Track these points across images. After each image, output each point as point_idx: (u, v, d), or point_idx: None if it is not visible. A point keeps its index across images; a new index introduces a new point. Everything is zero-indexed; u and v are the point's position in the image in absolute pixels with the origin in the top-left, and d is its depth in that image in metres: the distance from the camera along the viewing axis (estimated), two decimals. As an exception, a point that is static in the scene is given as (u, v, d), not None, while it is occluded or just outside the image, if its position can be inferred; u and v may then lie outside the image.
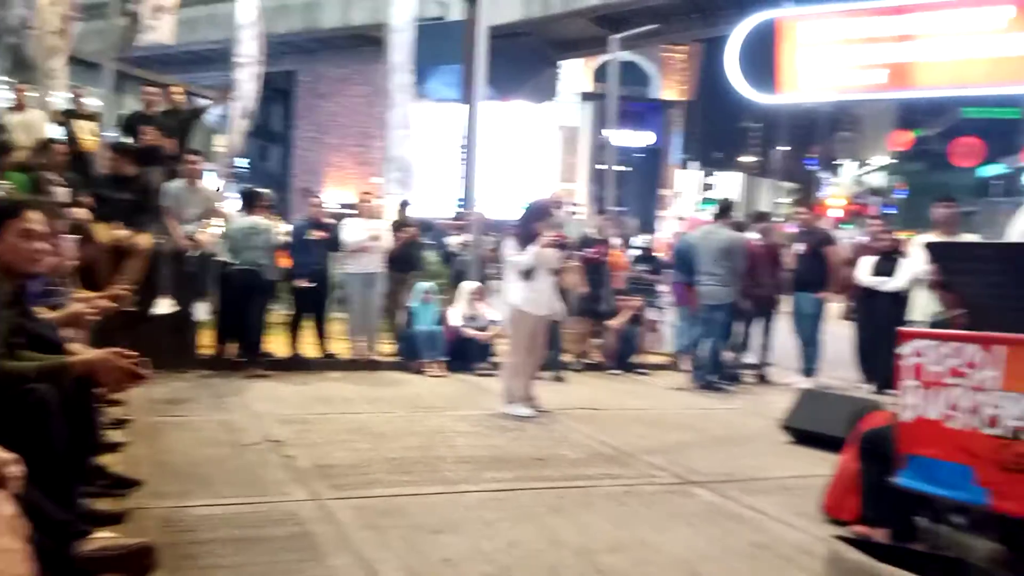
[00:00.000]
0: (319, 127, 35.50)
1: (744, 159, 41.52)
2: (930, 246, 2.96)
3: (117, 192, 7.48)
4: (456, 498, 4.42)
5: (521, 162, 27.01)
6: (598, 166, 29.86)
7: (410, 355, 8.54)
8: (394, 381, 8.01)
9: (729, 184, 38.54)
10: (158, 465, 4.61)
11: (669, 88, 38.77)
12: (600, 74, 28.84)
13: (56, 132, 8.97)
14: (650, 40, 26.70)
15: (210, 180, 9.66)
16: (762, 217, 10.49)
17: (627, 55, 27.72)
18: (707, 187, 37.48)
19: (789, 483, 5.03)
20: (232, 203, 9.66)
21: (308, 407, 6.58)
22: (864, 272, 8.00)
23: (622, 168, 30.14)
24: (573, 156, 31.58)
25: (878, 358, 7.54)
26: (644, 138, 35.69)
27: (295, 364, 8.16)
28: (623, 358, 9.38)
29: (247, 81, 10.64)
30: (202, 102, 10.76)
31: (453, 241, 10.24)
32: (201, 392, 6.86)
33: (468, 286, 9.07)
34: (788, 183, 42.73)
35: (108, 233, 7.15)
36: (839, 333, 8.66)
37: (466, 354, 8.64)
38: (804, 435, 6.06)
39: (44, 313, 3.86)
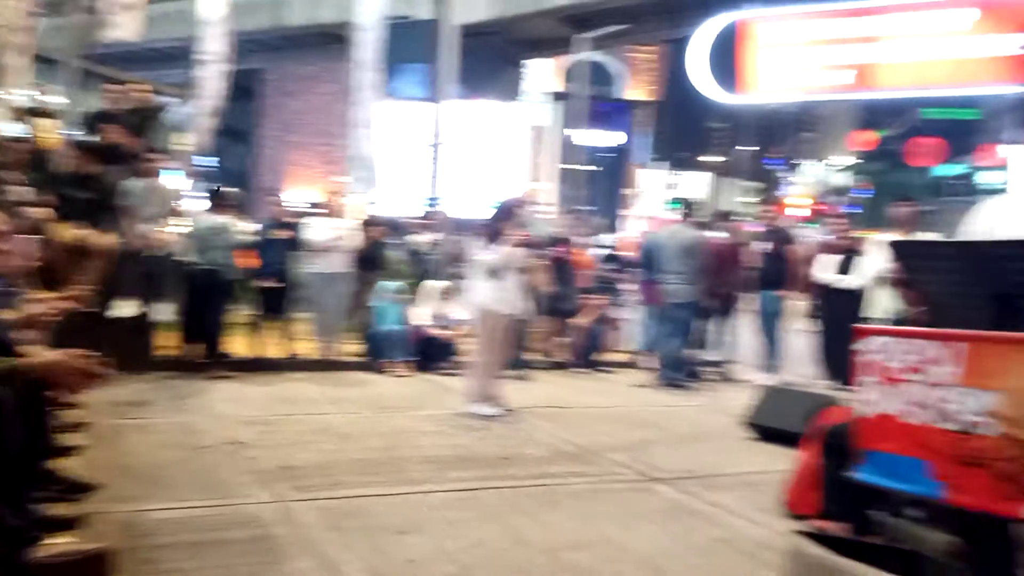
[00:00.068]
0: (285, 125, 35.18)
1: (710, 159, 41.85)
2: (893, 244, 2.98)
3: (79, 191, 7.35)
4: (421, 498, 4.41)
5: (489, 161, 26.98)
6: (566, 166, 29.92)
7: (375, 355, 8.49)
8: (359, 381, 7.96)
9: (695, 184, 38.82)
10: (117, 468, 4.53)
11: (636, 88, 38.96)
12: (569, 74, 28.91)
13: (17, 130, 8.79)
14: (617, 40, 26.82)
15: (175, 179, 9.55)
16: (726, 216, 10.59)
17: (595, 55, 27.81)
18: (672, 186, 37.72)
19: (751, 479, 5.07)
20: (198, 202, 9.55)
21: (271, 408, 6.52)
22: (825, 270, 8.09)
23: (590, 168, 30.26)
24: (541, 155, 31.60)
25: (839, 355, 7.63)
26: (613, 138, 35.82)
27: (258, 365, 8.07)
28: (588, 356, 9.41)
29: (213, 79, 10.52)
30: (165, 100, 10.63)
31: (419, 240, 10.20)
32: (162, 394, 6.76)
33: (434, 285, 9.04)
34: (753, 183, 43.15)
35: (69, 232, 7.01)
36: (801, 330, 8.75)
37: (431, 354, 8.61)
38: (767, 431, 6.12)
39: (1, 314, 3.78)
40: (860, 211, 31.07)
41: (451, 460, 5.24)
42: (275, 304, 8.37)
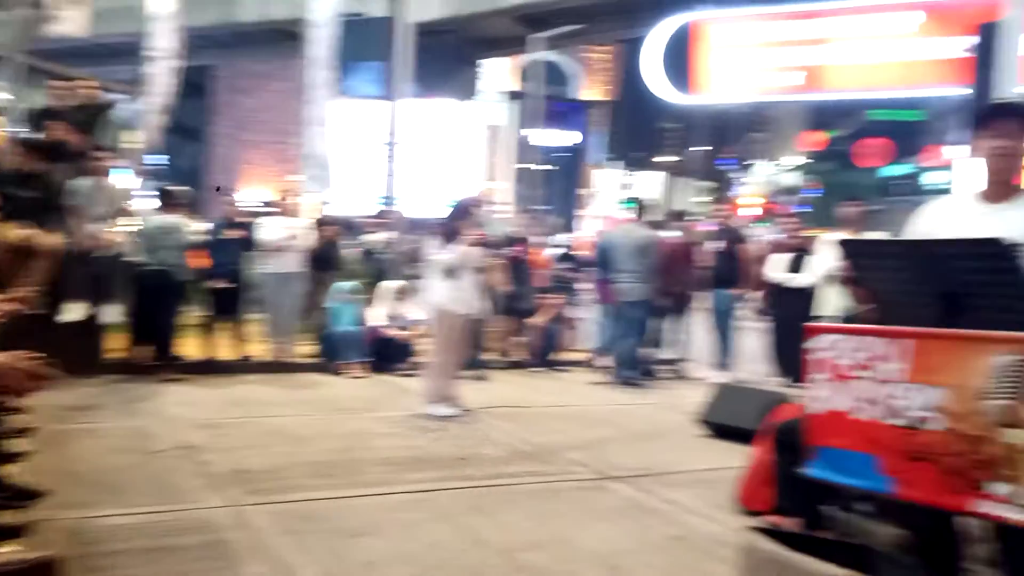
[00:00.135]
0: (237, 123, 34.66)
1: (664, 159, 42.23)
2: (842, 243, 3.03)
3: (23, 189, 7.15)
4: (377, 500, 4.38)
5: (445, 160, 26.90)
6: (522, 165, 29.95)
7: (330, 356, 8.42)
8: (313, 383, 7.89)
9: (649, 183, 39.13)
10: (66, 474, 4.43)
11: (591, 88, 39.15)
12: (525, 73, 28.94)
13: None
14: (572, 40, 26.91)
15: (124, 177, 9.35)
16: (680, 216, 10.69)
17: (550, 55, 27.87)
18: (627, 186, 38.00)
19: (705, 476, 5.13)
20: (146, 201, 9.37)
21: (223, 411, 6.43)
22: (776, 269, 8.21)
23: (546, 167, 30.33)
24: (497, 155, 31.60)
25: (790, 353, 7.75)
26: (568, 137, 35.95)
27: (210, 367, 7.95)
28: (545, 355, 9.45)
29: (163, 75, 10.33)
30: (113, 96, 10.41)
31: (374, 239, 10.13)
32: (111, 398, 6.62)
33: (389, 285, 8.99)
34: (706, 182, 43.64)
35: (13, 232, 6.83)
36: (753, 328, 8.87)
37: (387, 355, 8.56)
38: (720, 429, 6.20)
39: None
40: (810, 210, 31.57)
41: (408, 461, 5.21)
42: (227, 305, 8.25)
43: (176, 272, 7.60)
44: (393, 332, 8.67)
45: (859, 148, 39.16)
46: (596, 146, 38.79)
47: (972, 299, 2.51)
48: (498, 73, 32.73)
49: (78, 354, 7.06)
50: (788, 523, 3.67)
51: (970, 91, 8.83)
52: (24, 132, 8.75)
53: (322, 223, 9.40)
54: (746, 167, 44.62)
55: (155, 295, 7.46)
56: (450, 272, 6.62)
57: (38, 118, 8.58)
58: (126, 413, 6.17)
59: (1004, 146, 2.82)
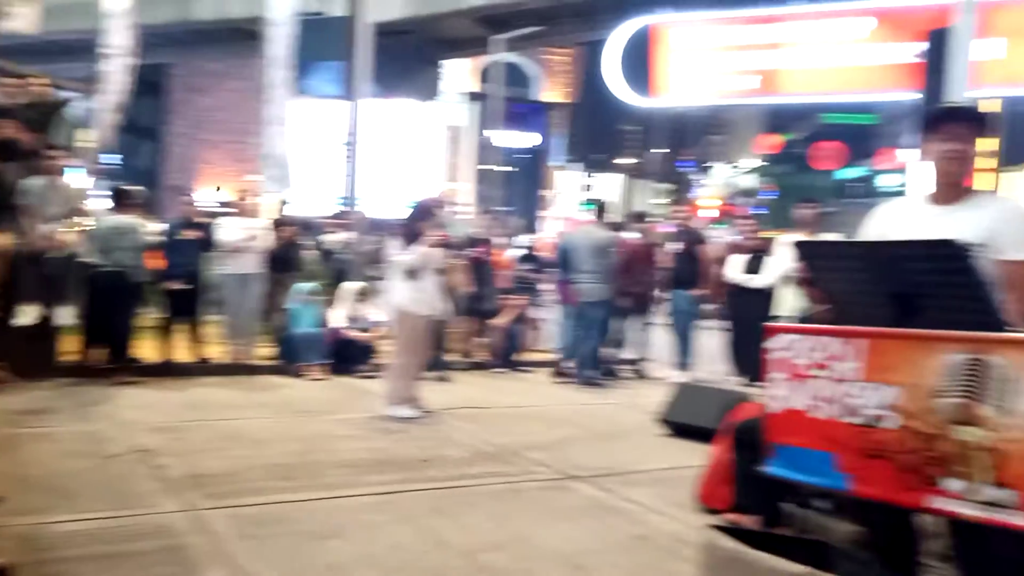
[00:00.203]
0: (194, 122, 34.21)
1: (623, 161, 42.53)
2: (798, 244, 3.08)
3: (-29, 189, 7.00)
4: (338, 503, 4.35)
5: (405, 161, 26.80)
6: (483, 166, 29.95)
7: (289, 358, 8.34)
8: (272, 385, 7.81)
9: (609, 185, 39.38)
10: (18, 480, 4.34)
11: (552, 90, 39.29)
12: (485, 74, 28.95)
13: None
14: (533, 42, 26.99)
15: (77, 177, 9.17)
16: (640, 217, 10.77)
17: (511, 56, 27.92)
18: (587, 188, 38.20)
19: (666, 475, 5.18)
20: (100, 201, 9.19)
21: (180, 414, 6.34)
22: (734, 270, 8.31)
23: (506, 168, 30.35)
24: (458, 156, 31.57)
25: (749, 352, 7.85)
26: (529, 139, 36.04)
27: (167, 370, 7.83)
28: (507, 356, 9.46)
29: (117, 73, 10.14)
30: (67, 94, 10.20)
31: (333, 239, 10.05)
32: (64, 401, 6.49)
33: (350, 287, 8.93)
34: (665, 184, 44.04)
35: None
36: (712, 328, 8.97)
37: (348, 356, 8.50)
38: (680, 428, 6.26)
39: None
40: (767, 212, 32.02)
41: (369, 463, 5.19)
42: (184, 306, 8.13)
43: (131, 273, 7.46)
44: (354, 334, 8.62)
45: (814, 151, 39.82)
46: (556, 148, 38.93)
47: (925, 299, 2.57)
48: (459, 74, 32.71)
49: (31, 357, 6.93)
50: (747, 521, 3.71)
51: (921, 96, 9.04)
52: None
53: (281, 224, 9.31)
54: (704, 169, 45.12)
55: (110, 297, 7.32)
56: (411, 273, 6.60)
57: (-13, 116, 8.39)
58: (80, 417, 6.05)
59: (954, 149, 2.88)
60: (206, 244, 8.24)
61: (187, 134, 34.50)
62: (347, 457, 5.31)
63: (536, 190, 36.73)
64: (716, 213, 37.16)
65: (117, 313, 7.42)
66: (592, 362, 8.80)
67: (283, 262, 8.83)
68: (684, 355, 9.05)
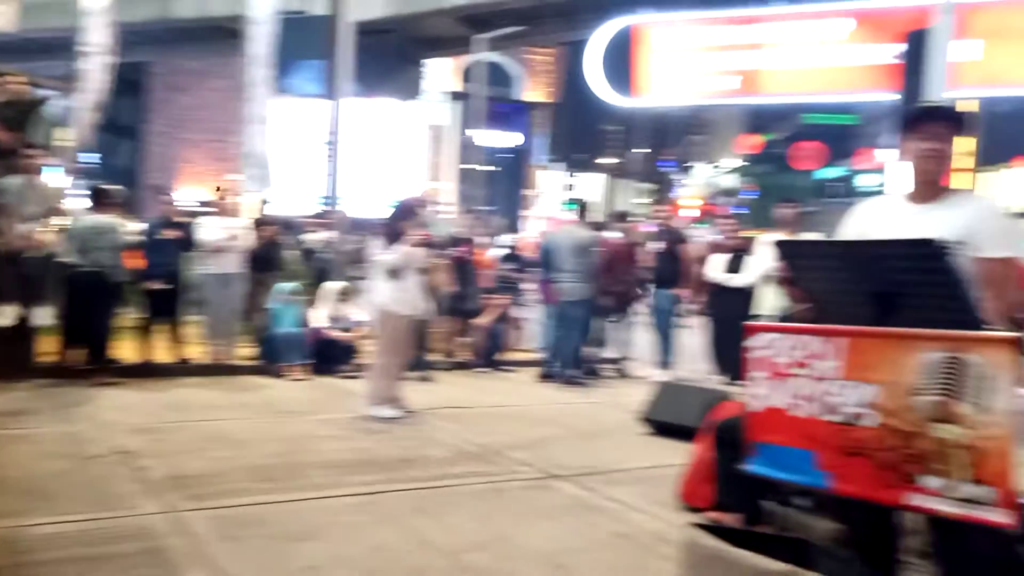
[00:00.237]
0: (174, 121, 34.00)
1: (605, 160, 42.63)
2: (778, 244, 3.09)
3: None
4: (320, 504, 4.33)
5: (387, 160, 26.75)
6: (465, 165, 29.94)
7: (271, 358, 8.30)
8: (254, 386, 7.77)
9: (591, 185, 39.48)
10: (-6, 482, 4.30)
11: (534, 90, 39.33)
12: (468, 74, 28.94)
13: None
14: (515, 42, 27.00)
15: (55, 176, 9.08)
16: (622, 217, 10.80)
17: (493, 56, 27.92)
18: (569, 187, 38.29)
19: (648, 473, 5.20)
20: (79, 200, 9.11)
21: (161, 415, 6.29)
22: (715, 269, 8.36)
23: (489, 168, 30.36)
24: (440, 155, 31.54)
25: (730, 351, 7.89)
26: (511, 138, 36.07)
27: (147, 370, 7.77)
28: (490, 356, 9.46)
29: (96, 72, 10.05)
30: (45, 93, 10.10)
31: (313, 238, 10.01)
32: (42, 402, 6.42)
33: (332, 286, 8.90)
34: (646, 184, 44.21)
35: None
36: (694, 327, 9.01)
37: (330, 356, 8.47)
38: (662, 426, 6.28)
39: None
40: (747, 212, 32.22)
41: (351, 464, 5.17)
42: (164, 306, 8.07)
43: (110, 273, 7.40)
44: (336, 333, 8.59)
45: (794, 151, 40.11)
46: (539, 147, 38.97)
47: (904, 298, 2.59)
48: (441, 73, 32.66)
49: (9, 358, 6.86)
50: (729, 519, 3.73)
51: (900, 96, 9.12)
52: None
53: (262, 223, 9.27)
54: (686, 169, 45.32)
55: (88, 297, 7.26)
56: (394, 273, 6.58)
57: (-35, 115, 8.29)
58: (60, 418, 5.99)
59: (932, 148, 2.91)
60: (186, 244, 8.18)
61: (167, 133, 34.31)
62: (329, 458, 5.29)
63: (518, 190, 36.78)
64: (697, 213, 37.35)
65: (96, 313, 7.35)
66: (574, 361, 8.82)
67: (264, 262, 8.78)
68: (666, 354, 9.09)
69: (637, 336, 9.64)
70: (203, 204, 14.67)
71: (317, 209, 11.85)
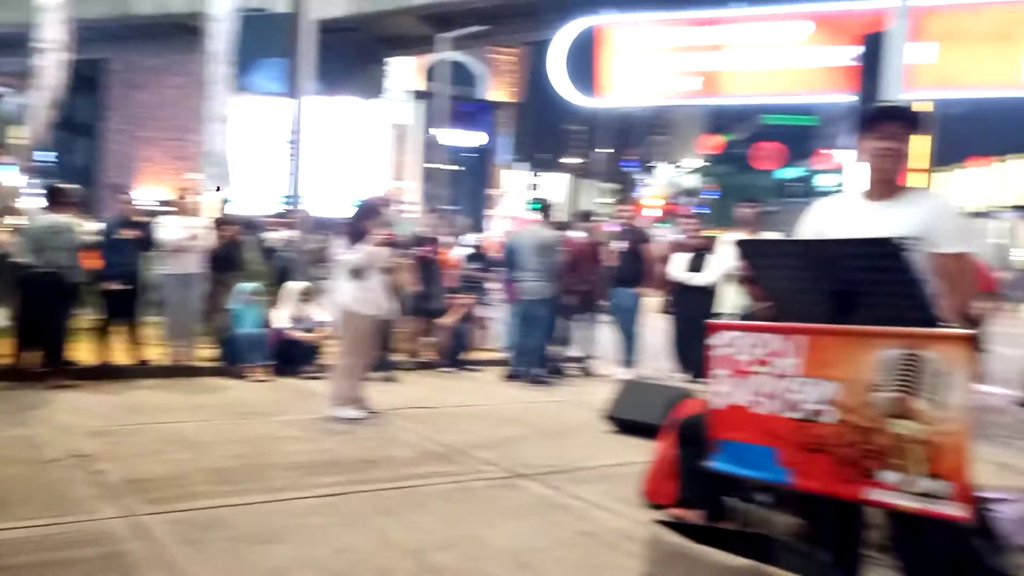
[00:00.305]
0: (132, 119, 33.44)
1: (569, 160, 42.78)
2: (740, 243, 3.13)
3: None
4: (282, 506, 4.29)
5: (351, 159, 26.59)
6: (429, 165, 29.84)
7: (232, 359, 8.21)
8: (215, 387, 7.68)
9: (555, 184, 39.58)
10: (-54, 487, 4.20)
11: (498, 90, 39.33)
12: (431, 73, 28.84)
13: None
14: (478, 41, 26.96)
15: (10, 175, 8.90)
16: (586, 216, 10.85)
17: (457, 55, 27.86)
18: (533, 187, 38.37)
19: (612, 471, 5.22)
20: (35, 199, 8.93)
21: (119, 418, 6.19)
22: (677, 268, 8.42)
23: (453, 167, 30.30)
24: (404, 154, 31.41)
25: (692, 349, 7.96)
26: (475, 138, 36.03)
27: (104, 372, 7.64)
28: (454, 356, 9.44)
29: (52, 68, 9.85)
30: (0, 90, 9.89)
31: (275, 237, 9.91)
32: (-3, 406, 6.29)
33: (294, 286, 8.82)
34: (610, 184, 44.43)
35: None
36: (657, 326, 9.07)
37: (292, 357, 8.40)
38: (626, 424, 6.31)
39: None
40: (709, 211, 32.52)
41: (314, 465, 5.13)
42: (123, 307, 7.94)
43: (66, 274, 7.26)
44: (298, 334, 8.51)
45: (755, 151, 40.58)
46: (503, 147, 38.99)
47: (863, 296, 2.63)
48: (404, 72, 32.53)
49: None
50: (692, 515, 3.77)
51: (857, 97, 9.27)
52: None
53: (223, 222, 9.16)
54: (648, 169, 45.63)
55: (44, 298, 7.12)
56: (357, 272, 6.54)
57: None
58: (15, 421, 5.87)
59: (888, 147, 2.96)
60: (145, 243, 8.06)
61: (125, 131, 33.74)
62: (291, 459, 5.25)
63: (483, 189, 36.76)
64: (660, 212, 37.61)
65: (52, 315, 7.21)
66: (539, 360, 8.83)
67: (225, 261, 8.68)
68: (629, 352, 9.14)
69: (601, 335, 9.68)
70: (163, 203, 14.47)
71: (279, 208, 11.75)
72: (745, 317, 4.68)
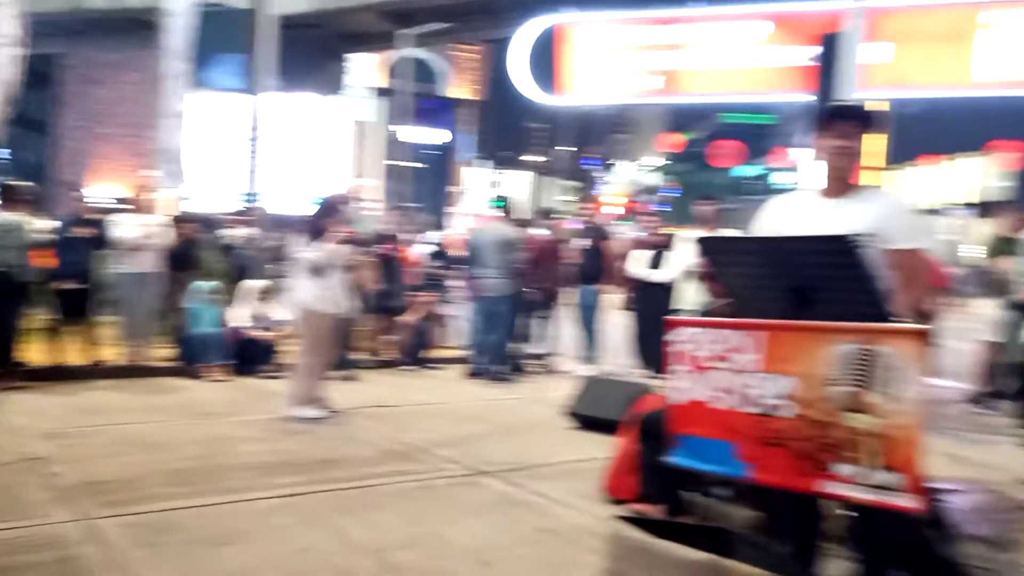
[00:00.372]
0: (87, 115, 32.77)
1: (531, 158, 42.83)
2: (700, 240, 3.16)
3: None
4: (242, 507, 4.24)
5: (311, 156, 26.37)
6: (391, 162, 29.69)
7: (189, 359, 8.09)
8: (171, 388, 7.56)
9: (518, 182, 39.58)
10: None
11: (460, 87, 39.23)
12: (393, 70, 28.69)
13: None
14: (440, 38, 26.88)
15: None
16: (548, 214, 10.87)
17: (418, 52, 27.74)
18: (496, 184, 38.35)
19: (573, 467, 5.23)
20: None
21: (73, 419, 6.07)
22: (637, 265, 8.47)
23: (415, 164, 30.16)
24: (365, 151, 31.20)
25: (653, 345, 8.00)
26: (437, 135, 35.90)
27: (58, 373, 7.48)
28: (416, 354, 9.40)
29: (5, 64, 9.61)
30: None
31: (233, 234, 9.78)
32: (-55, 408, 6.14)
33: (253, 285, 8.72)
34: (572, 181, 44.57)
35: None
36: (618, 322, 9.12)
37: (250, 356, 8.30)
38: (588, 420, 6.33)
39: None
40: (669, 209, 32.76)
41: (274, 466, 5.07)
42: (76, 307, 7.78)
43: (18, 273, 7.10)
44: (256, 333, 8.42)
45: (713, 149, 40.99)
46: (465, 144, 38.91)
47: (819, 292, 2.66)
48: (366, 68, 32.31)
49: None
50: (652, 510, 3.79)
51: (815, 97, 9.40)
52: None
53: (180, 220, 9.02)
54: (609, 167, 45.84)
55: (-5, 297, 6.95)
56: (317, 270, 6.48)
57: None
58: (-38, 425, 5.73)
59: (843, 145, 3.01)
60: (99, 242, 7.91)
61: (80, 127, 33.05)
62: (250, 460, 5.18)
63: (444, 186, 36.64)
64: (621, 210, 37.81)
65: (2, 315, 7.05)
66: (500, 357, 8.83)
67: (182, 260, 8.54)
68: (590, 349, 9.18)
69: (562, 331, 9.71)
70: (119, 201, 14.23)
71: (238, 206, 11.61)
72: (704, 313, 4.72)
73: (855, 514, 2.80)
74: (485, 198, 34.44)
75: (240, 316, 8.45)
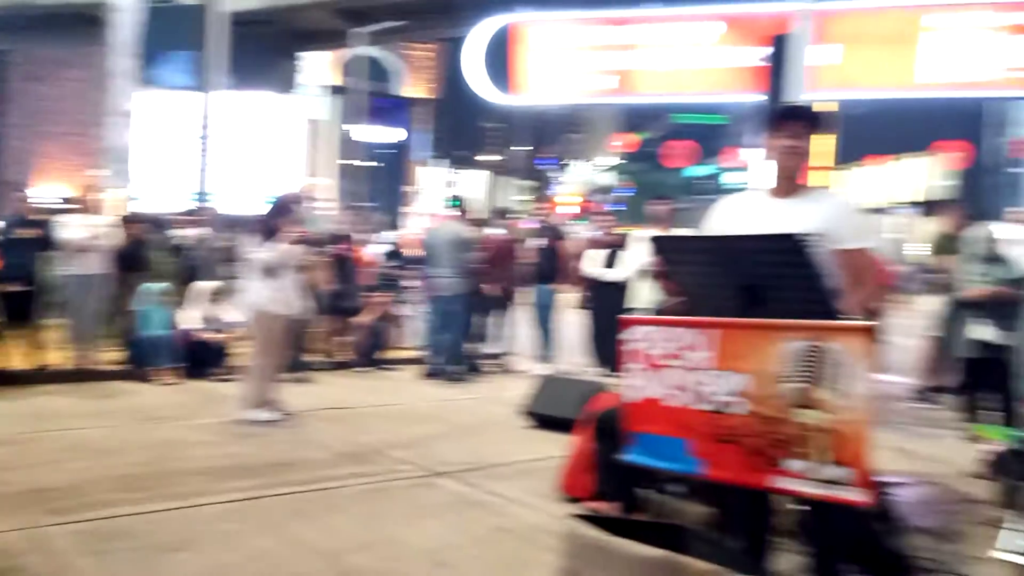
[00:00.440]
0: (32, 113, 32.02)
1: (487, 158, 42.83)
2: (653, 239, 3.18)
3: None
4: (192, 512, 4.17)
5: (263, 155, 26.06)
6: (345, 161, 29.47)
7: (138, 362, 7.94)
8: (120, 391, 7.41)
9: (473, 181, 39.57)
10: None
11: (415, 86, 39.08)
12: (347, 68, 28.47)
13: None
14: (394, 36, 26.76)
15: None
16: (503, 214, 10.87)
17: (372, 50, 27.58)
18: (451, 184, 38.27)
19: (529, 466, 5.24)
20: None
21: (18, 425, 5.92)
22: (591, 264, 8.51)
23: (369, 164, 29.97)
24: (319, 150, 30.92)
25: (607, 344, 8.05)
26: (392, 134, 35.70)
27: (3, 378, 7.29)
28: (371, 355, 9.33)
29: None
30: None
31: (183, 235, 9.62)
32: None
33: (203, 286, 8.58)
34: (527, 181, 44.68)
35: None
36: (573, 321, 9.16)
37: (201, 359, 8.17)
38: (544, 419, 6.35)
39: None
40: (623, 208, 32.99)
41: (226, 470, 5.00)
42: (21, 310, 7.59)
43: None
44: (207, 335, 8.29)
45: (667, 150, 41.39)
46: (420, 144, 38.76)
47: (769, 290, 2.70)
48: (319, 67, 32.02)
49: None
50: (608, 508, 3.82)
51: (766, 97, 9.53)
52: None
53: (129, 220, 8.85)
54: (564, 167, 46.03)
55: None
56: (269, 271, 6.40)
57: None
58: (-100, 432, 5.55)
59: (792, 145, 3.06)
60: (44, 243, 7.72)
61: (24, 125, 32.27)
62: (201, 464, 5.10)
63: (400, 186, 36.47)
64: (576, 210, 37.95)
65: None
66: (456, 357, 8.81)
67: (130, 261, 8.38)
68: (546, 348, 9.20)
69: (518, 330, 9.72)
70: (66, 201, 13.92)
71: (188, 205, 11.42)
72: (658, 312, 4.76)
73: (806, 508, 2.85)
74: (440, 197, 34.32)
75: (191, 318, 8.32)
